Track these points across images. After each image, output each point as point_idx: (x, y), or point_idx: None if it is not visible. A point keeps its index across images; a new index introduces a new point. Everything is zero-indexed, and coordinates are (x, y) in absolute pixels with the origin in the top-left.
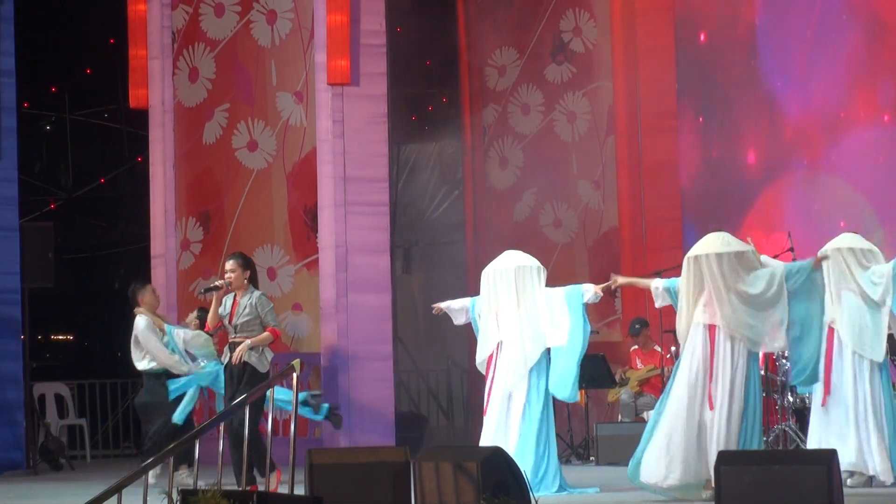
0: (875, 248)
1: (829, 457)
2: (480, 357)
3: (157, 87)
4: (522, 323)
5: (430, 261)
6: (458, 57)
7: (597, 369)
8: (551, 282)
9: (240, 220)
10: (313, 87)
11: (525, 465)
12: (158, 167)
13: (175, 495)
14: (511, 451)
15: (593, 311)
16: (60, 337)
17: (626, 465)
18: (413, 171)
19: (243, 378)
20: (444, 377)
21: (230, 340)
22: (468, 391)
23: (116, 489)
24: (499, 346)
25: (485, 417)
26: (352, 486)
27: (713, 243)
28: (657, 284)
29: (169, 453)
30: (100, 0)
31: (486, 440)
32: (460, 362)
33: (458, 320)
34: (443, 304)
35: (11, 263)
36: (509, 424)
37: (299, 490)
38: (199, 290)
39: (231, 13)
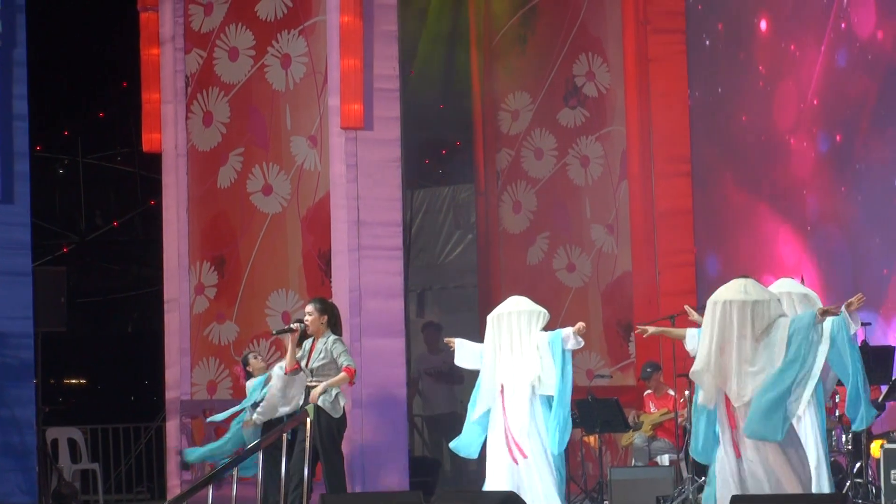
0: (811, 294)
1: (841, 499)
2: (483, 404)
3: (170, 131)
4: (516, 368)
5: (443, 304)
6: (472, 101)
7: (610, 413)
8: (566, 325)
9: (255, 264)
10: (327, 131)
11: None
12: (172, 211)
13: None
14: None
15: (607, 356)
16: (73, 381)
17: None
18: (426, 215)
19: (320, 423)
20: (458, 421)
21: (307, 383)
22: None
23: None
24: (502, 389)
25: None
26: None
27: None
28: (693, 333)
29: (181, 499)
30: (113, 43)
31: (498, 481)
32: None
33: (465, 361)
34: (456, 340)
35: (25, 308)
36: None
37: None
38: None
39: (245, 57)
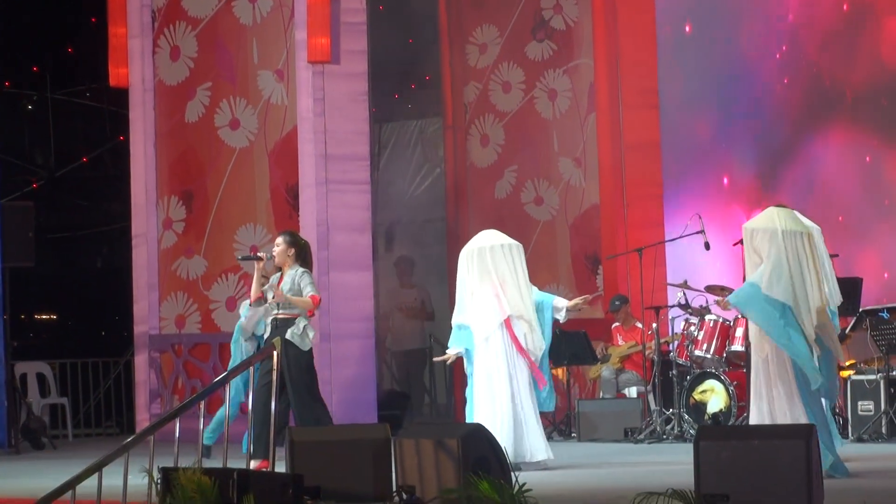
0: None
1: (808, 431)
2: (484, 334)
3: (137, 65)
4: (526, 300)
5: (412, 239)
6: (440, 35)
7: (578, 346)
8: (533, 259)
9: (223, 199)
10: (294, 65)
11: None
12: (139, 146)
13: (155, 473)
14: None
15: (575, 289)
16: (44, 316)
17: (608, 440)
18: (394, 150)
19: (288, 356)
20: (427, 355)
21: (272, 317)
22: (450, 369)
23: (97, 468)
24: (509, 322)
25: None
26: (333, 464)
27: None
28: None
29: (148, 432)
30: None
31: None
32: (443, 340)
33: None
34: (450, 353)
35: None
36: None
37: (279, 468)
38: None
39: None
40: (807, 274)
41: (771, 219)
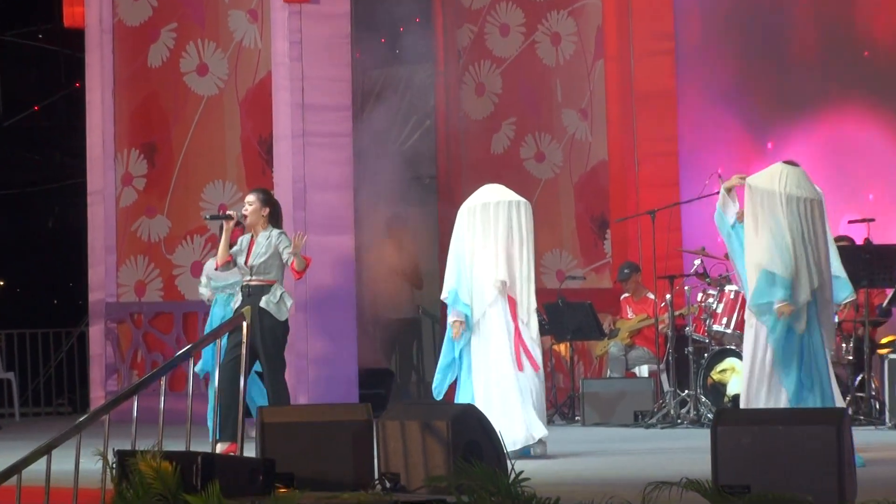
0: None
1: (839, 416)
2: (483, 303)
3: (94, 3)
4: (528, 265)
5: (398, 197)
6: None
7: (583, 319)
8: (534, 222)
9: (188, 153)
10: (268, 4)
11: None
12: (96, 93)
13: (111, 457)
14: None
15: (580, 255)
16: None
17: (616, 424)
18: (379, 99)
19: (263, 327)
20: (416, 327)
21: (244, 283)
22: (440, 343)
23: (46, 450)
24: (510, 286)
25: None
26: (307, 447)
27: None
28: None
29: (103, 411)
30: None
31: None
32: (433, 310)
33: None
34: (450, 320)
35: None
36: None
37: (249, 452)
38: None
39: None
40: (810, 247)
41: (774, 179)
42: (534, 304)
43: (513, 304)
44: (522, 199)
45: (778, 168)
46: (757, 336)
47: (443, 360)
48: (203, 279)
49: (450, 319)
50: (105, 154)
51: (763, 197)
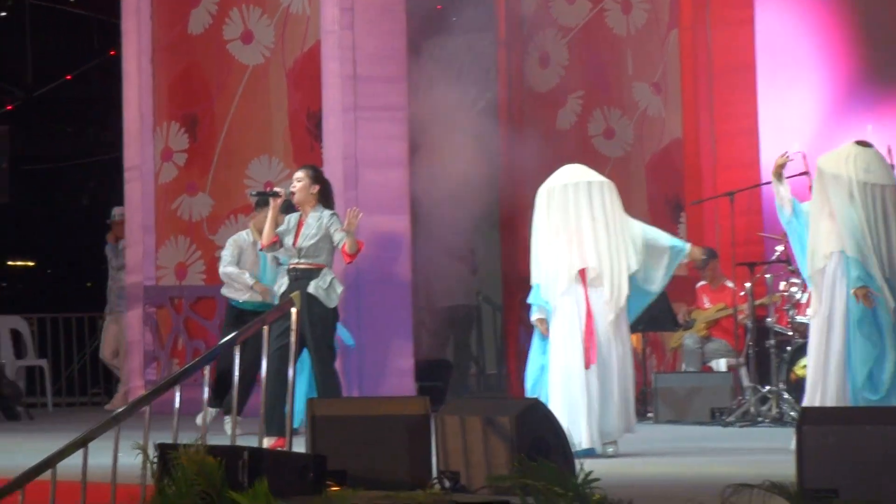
0: None
1: None
2: (556, 294)
3: None
4: (613, 251)
5: (457, 177)
6: None
7: (657, 309)
8: None
9: (232, 126)
10: None
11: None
12: (133, 62)
13: (151, 451)
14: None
15: None
16: (18, 262)
17: (691, 422)
18: (436, 71)
19: (311, 314)
20: (475, 316)
21: (291, 266)
22: (501, 333)
23: (82, 443)
24: (582, 276)
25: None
26: (361, 443)
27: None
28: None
29: (142, 402)
30: None
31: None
32: (493, 298)
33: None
34: (534, 318)
35: None
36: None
37: (299, 447)
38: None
39: None
40: (880, 237)
41: (841, 161)
42: (625, 294)
43: (586, 294)
44: (605, 180)
45: (847, 149)
46: (826, 327)
47: (533, 363)
48: (227, 253)
49: (533, 317)
50: (143, 127)
51: (831, 181)
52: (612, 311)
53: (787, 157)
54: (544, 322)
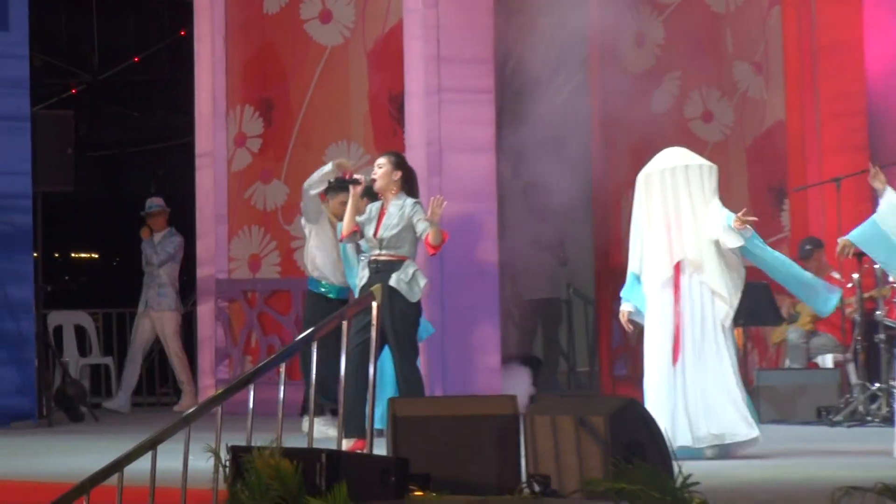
0: None
1: None
2: (652, 287)
3: None
4: (701, 238)
5: (546, 161)
6: None
7: (759, 302)
8: None
9: (309, 110)
10: None
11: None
12: (205, 42)
13: (223, 454)
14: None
15: (755, 229)
16: (82, 255)
17: (796, 421)
18: (525, 50)
19: (393, 309)
20: (564, 309)
21: (372, 258)
22: (593, 328)
23: (151, 445)
24: (680, 266)
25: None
26: (445, 445)
27: None
28: None
29: (214, 402)
30: None
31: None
32: (585, 292)
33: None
34: (622, 309)
35: (21, 162)
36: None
37: (379, 449)
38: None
39: None
40: None
41: None
42: (724, 285)
43: (677, 287)
44: (705, 163)
45: None
46: None
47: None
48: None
49: (621, 310)
50: (215, 111)
51: None
52: (725, 304)
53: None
54: (626, 316)
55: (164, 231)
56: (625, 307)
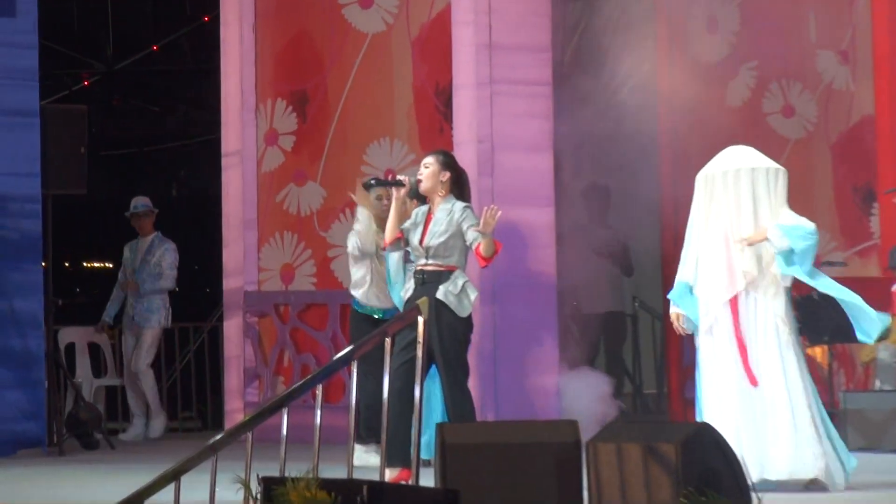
0: None
1: None
2: (707, 309)
3: None
4: (761, 250)
5: (609, 161)
6: None
7: (845, 317)
8: None
9: (348, 104)
10: None
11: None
12: (233, 29)
13: (254, 485)
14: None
15: (840, 235)
16: (96, 264)
17: (888, 449)
18: (585, 37)
19: (440, 324)
20: (629, 324)
21: (418, 268)
22: (662, 346)
23: (174, 475)
24: (735, 301)
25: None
26: (499, 475)
27: None
28: None
29: (243, 428)
30: None
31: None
32: (652, 305)
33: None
34: (672, 312)
35: (30, 162)
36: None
37: (427, 480)
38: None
39: None
40: None
41: None
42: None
43: (736, 318)
44: (774, 166)
45: None
46: None
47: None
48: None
49: (672, 313)
50: (243, 106)
51: None
52: (786, 323)
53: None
54: (679, 318)
55: (151, 236)
56: (676, 309)
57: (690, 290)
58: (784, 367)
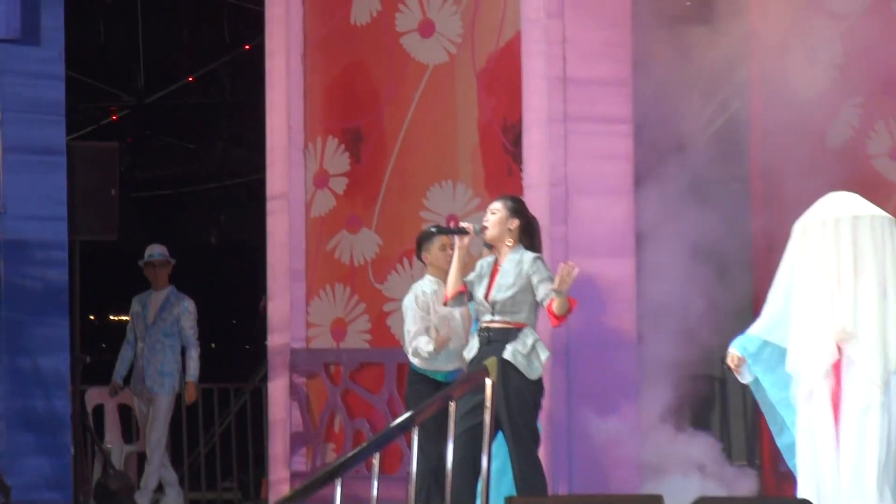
0: None
1: None
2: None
3: None
4: (880, 309)
5: (695, 206)
6: None
7: None
8: None
9: (406, 143)
10: None
11: None
12: (279, 59)
13: None
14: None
15: None
16: (124, 318)
17: None
18: (665, 69)
19: (508, 387)
20: (717, 387)
21: (483, 325)
22: (753, 412)
23: None
24: (838, 368)
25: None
26: None
27: None
28: None
29: (290, 501)
30: None
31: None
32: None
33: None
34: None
35: (55, 205)
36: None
37: None
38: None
39: None
40: None
41: None
42: (878, 364)
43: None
44: (882, 214)
45: None
46: None
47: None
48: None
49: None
50: (291, 144)
51: None
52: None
53: None
54: (739, 360)
55: (166, 290)
56: (735, 352)
57: (765, 344)
58: (862, 430)
